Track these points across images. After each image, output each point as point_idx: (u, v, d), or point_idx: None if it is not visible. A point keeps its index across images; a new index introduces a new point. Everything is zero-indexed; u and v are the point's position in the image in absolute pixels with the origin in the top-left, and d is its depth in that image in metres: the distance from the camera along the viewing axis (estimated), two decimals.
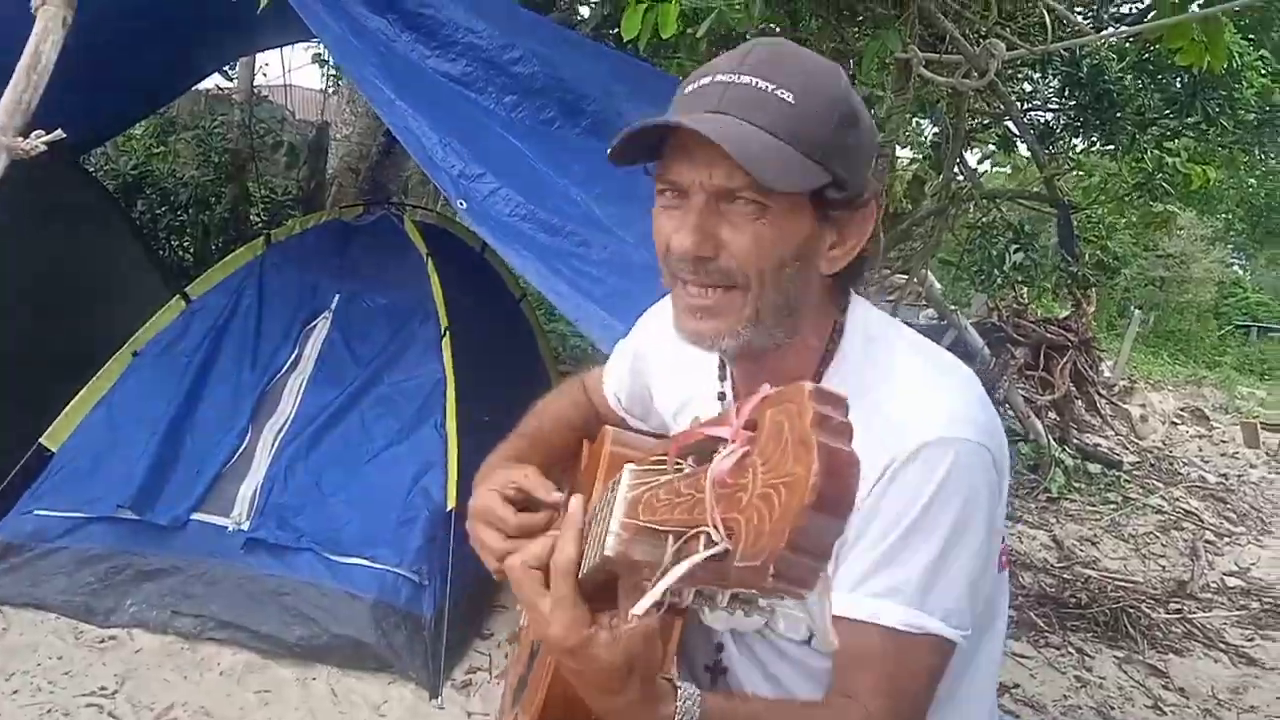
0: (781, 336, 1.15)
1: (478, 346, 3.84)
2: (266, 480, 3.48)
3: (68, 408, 3.59)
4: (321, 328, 3.83)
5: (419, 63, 3.17)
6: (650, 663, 0.98)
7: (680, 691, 1.02)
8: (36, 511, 3.40)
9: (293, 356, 3.76)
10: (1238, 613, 4.84)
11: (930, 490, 1.09)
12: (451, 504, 3.32)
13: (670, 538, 0.73)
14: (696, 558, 0.68)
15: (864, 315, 1.24)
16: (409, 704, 3.08)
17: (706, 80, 1.10)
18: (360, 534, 3.32)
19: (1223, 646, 4.42)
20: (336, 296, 3.90)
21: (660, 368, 1.44)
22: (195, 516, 3.41)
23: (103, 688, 3.00)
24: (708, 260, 1.10)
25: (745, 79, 1.07)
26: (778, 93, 1.06)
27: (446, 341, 3.69)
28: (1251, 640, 4.55)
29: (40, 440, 3.55)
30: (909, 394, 1.15)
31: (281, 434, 3.58)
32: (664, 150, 1.11)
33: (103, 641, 3.22)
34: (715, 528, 0.67)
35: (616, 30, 4.19)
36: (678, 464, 0.80)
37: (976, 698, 1.28)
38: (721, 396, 1.32)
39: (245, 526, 3.38)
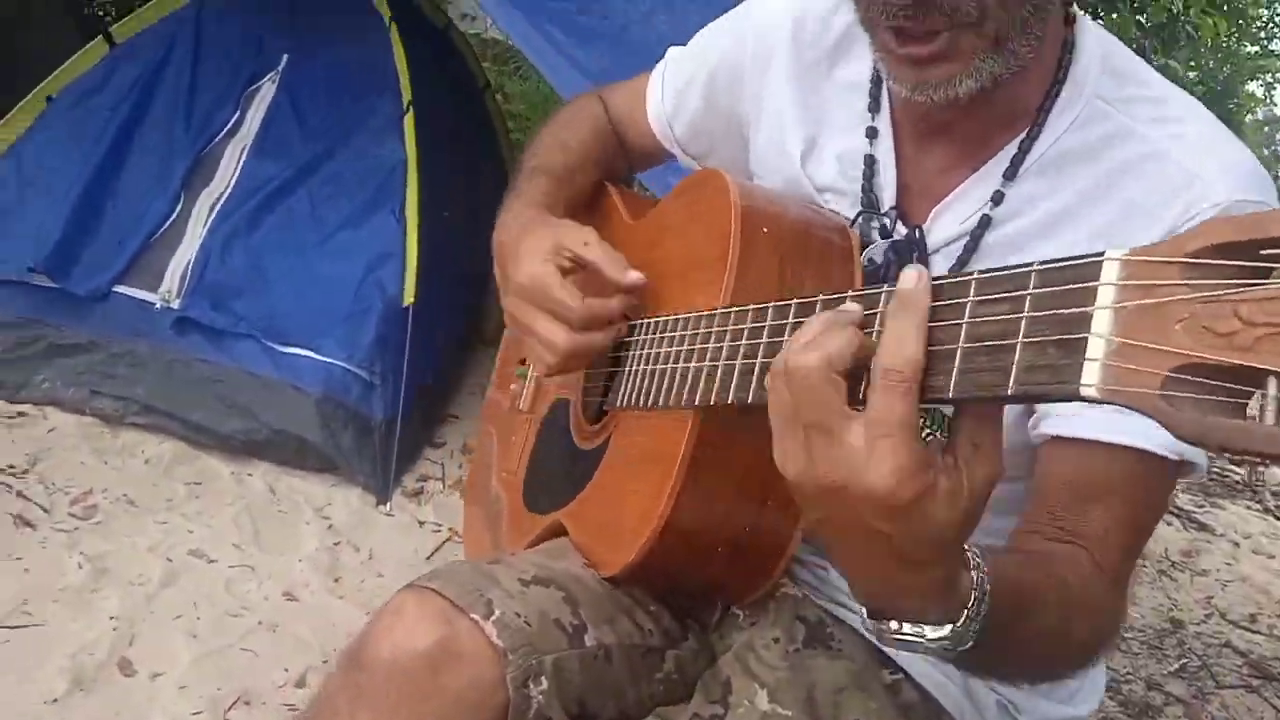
0: (1027, 55, 0.88)
1: (441, 131, 3.43)
2: (200, 254, 3.10)
3: None
4: (267, 90, 3.36)
5: None
6: (975, 523, 0.65)
7: (973, 558, 0.71)
8: None
9: (233, 119, 3.30)
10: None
11: None
12: (409, 299, 3.02)
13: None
14: None
15: (1095, 33, 0.95)
16: (355, 508, 2.85)
17: None
18: (306, 323, 3.00)
19: (1175, 511, 4.42)
20: (285, 57, 3.41)
21: (777, 95, 1.12)
22: (118, 289, 3.05)
23: (11, 466, 2.70)
24: None
25: None
26: None
27: (409, 120, 3.27)
28: (1202, 507, 4.57)
29: None
30: (1199, 141, 0.89)
31: (219, 205, 3.17)
32: None
33: (12, 417, 2.91)
34: None
35: None
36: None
37: None
38: (872, 132, 1.02)
39: (175, 304, 3.03)
